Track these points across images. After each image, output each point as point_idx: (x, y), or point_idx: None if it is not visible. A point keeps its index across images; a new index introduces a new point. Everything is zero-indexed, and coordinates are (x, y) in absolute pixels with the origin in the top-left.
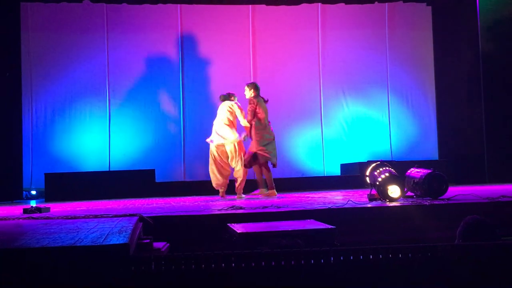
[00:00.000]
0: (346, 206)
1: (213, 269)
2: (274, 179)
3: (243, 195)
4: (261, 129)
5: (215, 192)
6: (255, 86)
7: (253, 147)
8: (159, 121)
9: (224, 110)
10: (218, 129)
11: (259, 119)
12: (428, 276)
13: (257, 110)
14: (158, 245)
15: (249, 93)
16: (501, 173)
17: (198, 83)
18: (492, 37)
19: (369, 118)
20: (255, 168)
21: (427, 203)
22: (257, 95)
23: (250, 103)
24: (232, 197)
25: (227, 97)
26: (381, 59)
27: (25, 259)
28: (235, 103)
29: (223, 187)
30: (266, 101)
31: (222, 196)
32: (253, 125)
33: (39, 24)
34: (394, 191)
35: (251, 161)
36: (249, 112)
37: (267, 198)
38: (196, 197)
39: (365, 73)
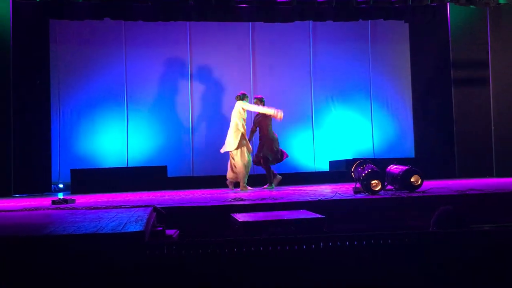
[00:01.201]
0: (334, 198)
1: (218, 253)
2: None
3: (248, 188)
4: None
5: (220, 185)
6: (260, 99)
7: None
8: (170, 123)
9: (234, 112)
10: (228, 135)
11: (262, 127)
12: (406, 259)
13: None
14: (170, 232)
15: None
16: (469, 169)
17: (205, 91)
18: (461, 48)
19: (354, 120)
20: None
21: (405, 195)
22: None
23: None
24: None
25: (241, 97)
26: (364, 69)
27: (53, 244)
28: (245, 102)
29: (230, 182)
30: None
31: (231, 189)
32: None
33: (65, 39)
34: (376, 185)
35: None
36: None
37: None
38: (203, 190)
39: (351, 81)
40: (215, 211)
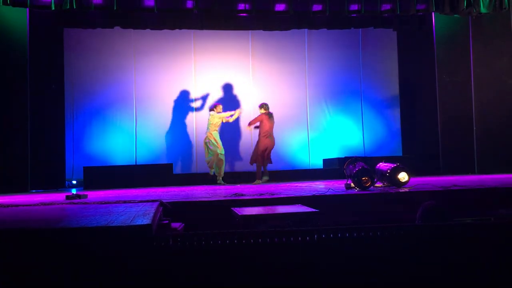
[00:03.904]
0: (327, 193)
1: (219, 245)
2: (270, 171)
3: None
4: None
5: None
6: (263, 105)
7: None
8: (176, 125)
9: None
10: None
11: (265, 130)
12: (393, 250)
13: (265, 122)
14: (175, 225)
15: (260, 110)
16: (453, 166)
17: (207, 94)
18: (446, 54)
19: (346, 122)
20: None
21: (393, 191)
22: (266, 112)
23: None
24: (229, 186)
25: (213, 108)
26: (356, 74)
27: (67, 236)
28: (215, 111)
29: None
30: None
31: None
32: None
33: (78, 46)
34: (366, 181)
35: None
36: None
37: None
38: (206, 186)
39: (343, 86)
40: (217, 205)
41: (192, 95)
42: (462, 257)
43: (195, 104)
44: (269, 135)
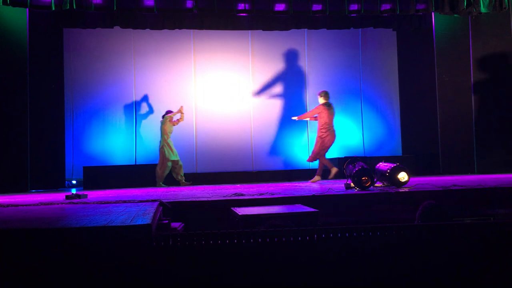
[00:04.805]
0: (327, 193)
1: (219, 245)
2: (269, 171)
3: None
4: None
5: (221, 181)
6: (324, 93)
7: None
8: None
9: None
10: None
11: (325, 122)
12: (392, 250)
13: (321, 115)
14: (175, 225)
15: (320, 100)
16: (452, 166)
17: (207, 94)
18: (445, 54)
19: (346, 121)
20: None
21: (393, 191)
22: (325, 102)
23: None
24: (229, 186)
25: (165, 115)
26: (355, 74)
27: (67, 236)
28: (165, 118)
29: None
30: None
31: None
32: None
33: (78, 46)
34: (366, 181)
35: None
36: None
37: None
38: (206, 186)
39: (342, 85)
40: (216, 205)
41: (192, 95)
42: (461, 257)
43: (195, 104)
44: (329, 128)
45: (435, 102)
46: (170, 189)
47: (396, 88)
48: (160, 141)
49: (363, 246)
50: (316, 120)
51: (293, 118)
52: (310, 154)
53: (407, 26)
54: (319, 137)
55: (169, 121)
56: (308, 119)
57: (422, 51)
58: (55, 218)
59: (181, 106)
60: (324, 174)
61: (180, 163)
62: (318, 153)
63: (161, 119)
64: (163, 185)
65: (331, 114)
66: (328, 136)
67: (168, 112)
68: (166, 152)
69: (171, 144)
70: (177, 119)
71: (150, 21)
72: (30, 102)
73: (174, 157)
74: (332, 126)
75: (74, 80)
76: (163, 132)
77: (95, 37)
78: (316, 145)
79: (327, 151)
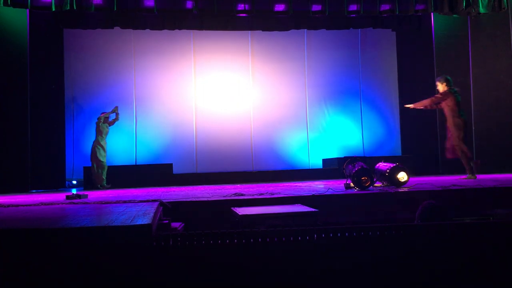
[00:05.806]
0: (326, 193)
1: (219, 245)
2: (269, 171)
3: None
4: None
5: (221, 181)
6: (446, 80)
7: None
8: (176, 125)
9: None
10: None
11: (452, 110)
12: (392, 249)
13: (448, 102)
14: (175, 224)
15: (441, 86)
16: (452, 166)
17: (207, 94)
18: (444, 54)
19: (346, 122)
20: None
21: (392, 190)
22: (449, 88)
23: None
24: (229, 186)
25: (100, 115)
26: (355, 74)
27: (68, 236)
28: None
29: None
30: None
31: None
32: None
33: (78, 46)
34: (365, 181)
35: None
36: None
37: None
38: (206, 186)
39: (342, 86)
40: (217, 205)
41: (192, 95)
42: (461, 257)
43: (195, 104)
44: (458, 114)
45: None
46: (170, 189)
47: (395, 88)
48: (94, 141)
49: (362, 245)
50: (433, 108)
51: (407, 106)
52: (447, 149)
53: (407, 26)
54: (451, 125)
55: (104, 121)
56: (423, 107)
57: (422, 51)
58: (56, 218)
59: (116, 106)
60: (324, 174)
61: (106, 166)
62: (458, 144)
63: (96, 120)
64: (107, 186)
65: (459, 101)
66: (460, 120)
67: (103, 112)
68: (97, 153)
69: (105, 145)
70: (113, 119)
71: (150, 22)
72: (30, 102)
73: (103, 158)
74: (462, 111)
75: (74, 80)
76: (98, 133)
77: (95, 37)
78: (452, 136)
79: (464, 135)
